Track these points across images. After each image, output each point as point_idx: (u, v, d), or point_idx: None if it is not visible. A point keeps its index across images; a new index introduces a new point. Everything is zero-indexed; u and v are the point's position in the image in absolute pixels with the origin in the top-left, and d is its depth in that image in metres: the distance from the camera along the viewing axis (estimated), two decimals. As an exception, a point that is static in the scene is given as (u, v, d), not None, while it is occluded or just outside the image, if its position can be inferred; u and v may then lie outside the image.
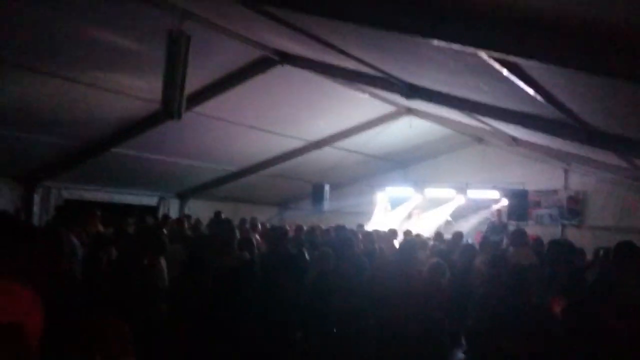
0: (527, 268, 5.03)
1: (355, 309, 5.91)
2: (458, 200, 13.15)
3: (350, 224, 11.67)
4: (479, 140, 13.48)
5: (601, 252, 8.10)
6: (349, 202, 14.14)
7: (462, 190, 13.12)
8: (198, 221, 10.92)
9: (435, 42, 3.33)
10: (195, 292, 5.29)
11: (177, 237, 8.18)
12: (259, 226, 10.55)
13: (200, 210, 12.83)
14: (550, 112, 5.44)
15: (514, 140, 10.29)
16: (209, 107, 8.72)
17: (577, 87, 4.08)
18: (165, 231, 7.75)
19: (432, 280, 5.75)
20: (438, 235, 10.45)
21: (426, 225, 12.48)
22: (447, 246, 9.03)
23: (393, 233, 9.88)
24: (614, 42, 2.89)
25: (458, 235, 9.53)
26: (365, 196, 14.39)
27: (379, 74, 6.83)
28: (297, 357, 6.33)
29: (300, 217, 13.36)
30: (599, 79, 3.41)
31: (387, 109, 10.76)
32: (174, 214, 13.15)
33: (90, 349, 2.37)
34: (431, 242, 9.76)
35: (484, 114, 6.78)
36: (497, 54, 3.28)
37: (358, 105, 10.16)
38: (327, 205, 13.13)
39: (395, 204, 14.06)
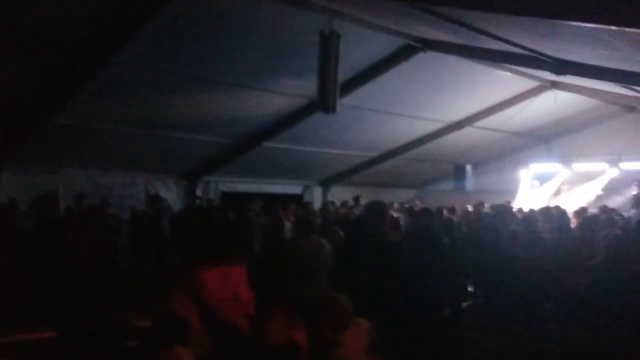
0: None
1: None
2: (611, 173, 12.45)
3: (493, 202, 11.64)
4: (631, 109, 12.66)
5: None
6: (491, 181, 13.93)
7: (614, 162, 12.40)
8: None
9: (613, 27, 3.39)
10: (356, 267, 5.69)
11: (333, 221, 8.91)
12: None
13: (342, 196, 13.40)
14: None
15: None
16: (351, 97, 9.11)
17: None
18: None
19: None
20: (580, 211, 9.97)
21: (576, 201, 11.97)
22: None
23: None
24: None
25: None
26: (508, 174, 14.07)
27: (526, 52, 6.79)
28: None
29: (441, 198, 13.47)
30: None
31: (530, 84, 10.54)
32: (317, 200, 13.91)
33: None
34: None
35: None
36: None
37: (499, 83, 10.07)
38: (469, 185, 13.11)
39: (541, 180, 13.60)
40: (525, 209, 10.76)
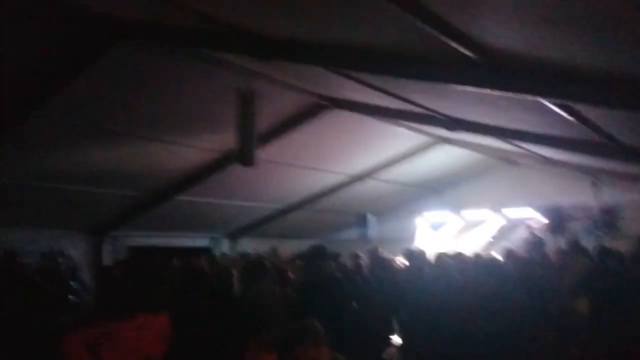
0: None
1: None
2: (498, 220, 13.73)
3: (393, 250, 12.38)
4: (511, 161, 14.15)
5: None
6: (391, 229, 14.78)
7: (497, 209, 13.72)
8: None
9: (503, 93, 4.11)
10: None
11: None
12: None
13: (249, 248, 13.60)
14: (588, 135, 6.16)
15: (546, 159, 10.93)
16: (261, 151, 9.53)
17: (617, 118, 4.82)
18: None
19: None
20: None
21: (469, 246, 13.02)
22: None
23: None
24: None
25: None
26: (405, 222, 15.05)
27: (425, 112, 7.62)
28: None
29: (344, 246, 14.04)
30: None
31: (423, 139, 11.55)
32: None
33: None
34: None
35: (524, 140, 7.51)
36: (558, 100, 4.05)
37: (396, 138, 10.96)
38: (372, 233, 13.82)
39: (436, 228, 14.67)
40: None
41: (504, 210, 13.77)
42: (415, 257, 8.54)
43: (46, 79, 6.25)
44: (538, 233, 13.10)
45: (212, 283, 6.67)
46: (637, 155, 6.40)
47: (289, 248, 13.28)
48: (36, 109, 6.60)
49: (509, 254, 9.56)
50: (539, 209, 13.20)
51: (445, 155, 12.37)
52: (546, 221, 12.99)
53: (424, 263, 8.26)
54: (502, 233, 13.89)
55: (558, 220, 12.32)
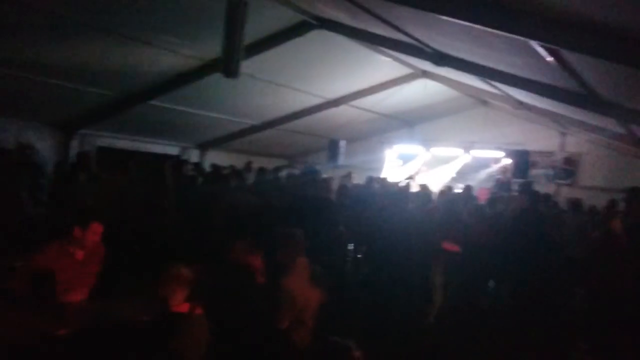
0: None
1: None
2: (464, 158, 14.06)
3: (360, 177, 12.68)
4: (483, 102, 14.34)
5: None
6: (360, 158, 14.99)
7: (467, 149, 14.02)
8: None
9: (501, 32, 4.15)
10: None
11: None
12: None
13: (219, 161, 13.60)
14: (568, 83, 6.30)
15: (520, 103, 11.12)
16: (243, 65, 9.38)
17: (599, 69, 4.94)
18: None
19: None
20: (446, 189, 11.35)
21: (433, 181, 13.36)
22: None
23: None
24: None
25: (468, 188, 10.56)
26: (376, 152, 15.29)
27: (413, 42, 7.60)
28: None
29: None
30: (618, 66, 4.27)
31: (405, 71, 11.55)
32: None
33: None
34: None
35: (507, 83, 7.61)
36: (549, 45, 4.11)
37: (378, 67, 10.93)
38: (342, 160, 14.00)
39: (404, 160, 14.95)
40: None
41: (473, 151, 14.04)
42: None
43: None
44: (500, 175, 13.54)
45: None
46: (611, 108, 6.60)
47: (259, 164, 13.47)
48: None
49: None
50: (506, 151, 13.53)
51: (422, 90, 12.43)
52: (511, 163, 13.35)
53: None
54: (467, 171, 14.25)
55: (523, 164, 12.67)
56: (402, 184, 10.99)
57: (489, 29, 4.58)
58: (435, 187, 12.05)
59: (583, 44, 3.79)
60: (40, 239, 4.19)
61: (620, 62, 3.93)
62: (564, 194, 13.64)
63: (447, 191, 10.71)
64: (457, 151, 14.21)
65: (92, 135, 11.76)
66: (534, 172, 14.07)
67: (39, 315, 3.22)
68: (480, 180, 13.93)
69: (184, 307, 3.16)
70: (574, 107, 7.40)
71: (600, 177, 13.62)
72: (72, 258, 3.97)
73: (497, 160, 13.87)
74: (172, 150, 13.86)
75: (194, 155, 14.28)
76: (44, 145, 10.82)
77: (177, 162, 10.64)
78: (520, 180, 12.43)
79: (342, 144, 14.15)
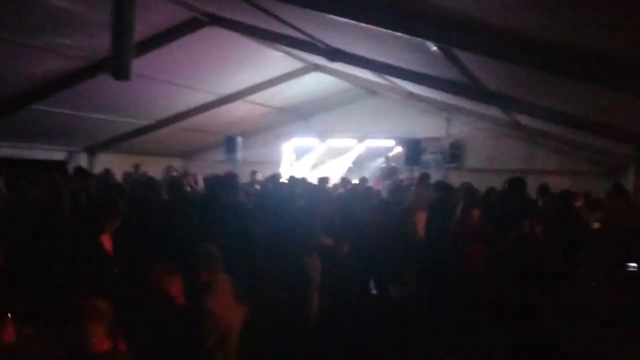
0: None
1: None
2: (358, 149, 14.44)
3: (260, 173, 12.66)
4: (372, 92, 14.79)
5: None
6: (257, 152, 14.94)
7: (361, 139, 14.41)
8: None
9: (398, 34, 4.30)
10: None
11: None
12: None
13: (110, 164, 13.01)
14: (456, 75, 6.67)
15: (410, 94, 11.60)
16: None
17: (483, 62, 5.28)
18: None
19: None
20: (345, 181, 11.62)
21: (330, 173, 13.60)
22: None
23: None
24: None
25: (363, 180, 10.85)
26: (272, 146, 15.31)
27: (306, 38, 7.68)
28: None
29: (211, 168, 14.00)
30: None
31: (297, 65, 11.64)
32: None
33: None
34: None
35: (400, 77, 7.91)
36: (440, 44, 4.33)
37: (271, 61, 10.93)
38: (239, 155, 13.88)
39: (300, 154, 15.08)
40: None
41: (367, 141, 14.45)
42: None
43: None
44: (394, 163, 14.06)
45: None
46: (496, 98, 7.07)
47: (153, 165, 13.08)
48: None
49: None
50: (397, 140, 14.07)
51: (314, 82, 12.61)
52: (402, 151, 13.89)
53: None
54: (362, 161, 14.66)
55: (414, 151, 13.22)
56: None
57: (382, 29, 4.75)
58: (333, 178, 12.30)
59: (470, 43, 4.04)
60: None
61: (503, 59, 4.22)
62: (453, 177, 14.44)
63: (344, 184, 10.94)
64: (351, 142, 14.55)
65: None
66: (424, 157, 14.73)
67: None
68: (374, 170, 14.38)
69: (105, 345, 2.82)
70: (462, 98, 7.83)
71: (484, 159, 14.50)
72: None
73: (389, 149, 14.36)
74: (58, 155, 13.07)
75: (82, 160, 13.54)
76: None
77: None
78: (412, 168, 12.99)
79: (239, 140, 14.03)
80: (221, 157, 14.62)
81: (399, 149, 14.06)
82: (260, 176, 12.05)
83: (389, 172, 13.49)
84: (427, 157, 14.68)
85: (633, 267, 4.53)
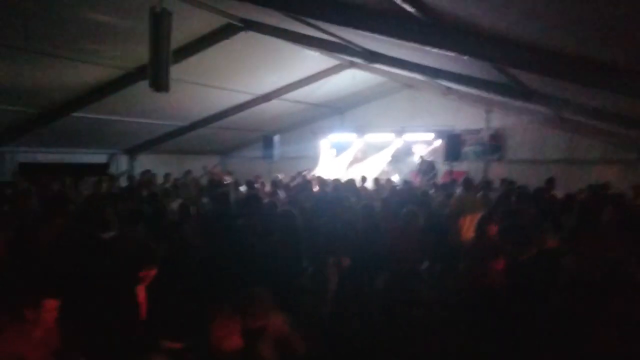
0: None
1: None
2: (396, 143, 14.21)
3: (296, 169, 12.68)
4: (409, 85, 14.54)
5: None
6: (294, 149, 14.93)
7: (399, 133, 14.19)
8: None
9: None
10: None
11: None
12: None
13: (148, 165, 13.26)
14: (497, 77, 6.49)
15: (449, 89, 11.36)
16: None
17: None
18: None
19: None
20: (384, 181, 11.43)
21: (369, 169, 13.48)
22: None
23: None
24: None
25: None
26: (308, 142, 15.25)
27: (342, 42, 7.59)
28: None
29: (248, 165, 14.11)
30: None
31: (332, 62, 11.53)
32: (123, 168, 13.63)
33: None
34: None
35: (439, 77, 7.75)
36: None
37: (306, 60, 10.85)
38: (277, 154, 13.88)
39: (338, 150, 14.97)
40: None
41: (405, 135, 14.21)
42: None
43: None
44: (430, 157, 13.80)
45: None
46: (540, 97, 6.86)
47: (191, 163, 13.25)
48: None
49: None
50: (436, 133, 13.81)
51: (350, 77, 12.46)
52: (440, 145, 13.62)
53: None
54: (399, 156, 14.46)
55: (454, 146, 12.95)
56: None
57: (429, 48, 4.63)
58: (372, 175, 12.18)
59: (518, 60, 3.91)
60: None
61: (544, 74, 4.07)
62: (493, 169, 14.17)
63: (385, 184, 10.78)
64: (389, 136, 14.33)
65: (12, 152, 11.12)
66: (463, 150, 14.46)
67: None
68: (412, 164, 14.19)
69: None
70: (508, 98, 7.62)
71: (526, 150, 14.14)
72: (31, 338, 3.21)
73: (428, 143, 14.09)
74: (100, 158, 13.34)
75: (122, 161, 13.81)
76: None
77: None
78: (451, 163, 12.75)
79: (276, 138, 14.02)
80: (258, 154, 14.62)
81: (437, 143, 13.79)
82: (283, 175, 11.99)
83: (427, 168, 13.30)
84: (466, 149, 14.41)
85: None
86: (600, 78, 4.12)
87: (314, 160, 14.58)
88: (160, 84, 6.78)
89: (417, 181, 11.70)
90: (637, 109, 6.59)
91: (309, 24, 6.92)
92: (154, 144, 13.75)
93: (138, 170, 13.15)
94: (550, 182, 8.50)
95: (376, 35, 6.35)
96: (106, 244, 4.93)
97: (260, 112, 13.25)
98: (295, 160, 14.18)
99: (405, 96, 15.00)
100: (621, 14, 3.10)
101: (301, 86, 12.33)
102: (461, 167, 13.89)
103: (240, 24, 8.30)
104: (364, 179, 10.55)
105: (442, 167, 13.60)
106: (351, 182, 9.63)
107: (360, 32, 6.11)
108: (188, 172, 12.04)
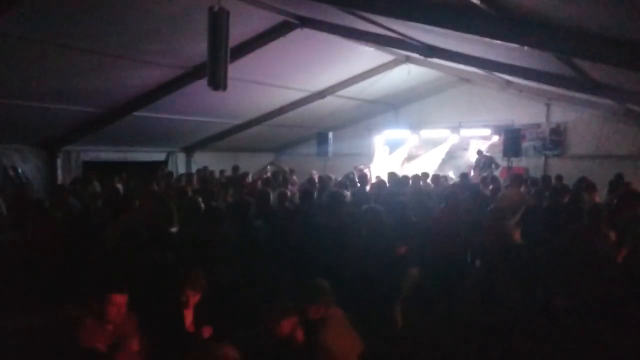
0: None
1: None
2: (452, 139, 13.92)
3: (350, 166, 12.60)
4: (466, 80, 14.23)
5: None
6: (347, 145, 14.87)
7: (455, 129, 13.90)
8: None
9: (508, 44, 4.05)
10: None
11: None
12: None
13: (205, 162, 13.53)
14: (562, 68, 6.24)
15: (508, 82, 11.04)
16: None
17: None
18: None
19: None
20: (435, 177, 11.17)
21: (424, 166, 13.27)
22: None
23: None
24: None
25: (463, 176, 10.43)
26: (362, 139, 15.16)
27: (400, 37, 7.47)
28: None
29: (302, 161, 14.15)
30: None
31: (387, 58, 11.39)
32: (180, 166, 13.95)
33: None
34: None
35: (501, 71, 7.54)
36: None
37: (361, 56, 10.76)
38: (331, 151, 13.84)
39: (392, 146, 14.81)
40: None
41: (462, 131, 13.91)
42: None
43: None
44: (489, 153, 13.44)
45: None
46: (606, 89, 6.57)
47: (247, 161, 13.40)
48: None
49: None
50: (493, 128, 13.46)
51: (405, 73, 12.29)
52: (498, 141, 13.24)
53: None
54: (455, 152, 14.17)
55: (513, 142, 12.54)
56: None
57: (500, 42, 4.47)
58: (429, 171, 11.98)
59: (591, 52, 3.72)
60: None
61: (616, 65, 3.87)
62: (553, 164, 13.72)
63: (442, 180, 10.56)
64: (444, 132, 14.06)
65: (76, 151, 11.54)
66: (522, 145, 14.00)
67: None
68: (468, 161, 13.88)
69: None
70: (574, 92, 7.34)
71: (588, 145, 13.61)
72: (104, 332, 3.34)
73: (486, 139, 13.73)
74: (159, 156, 13.67)
75: (180, 159, 14.11)
76: (29, 166, 10.61)
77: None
78: (511, 159, 12.38)
79: (330, 135, 13.98)
80: (312, 151, 14.62)
81: (495, 139, 13.43)
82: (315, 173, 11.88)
83: (485, 164, 12.97)
84: (525, 144, 13.95)
85: None
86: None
87: (367, 157, 14.47)
88: (218, 82, 6.85)
89: (474, 177, 11.40)
90: None
91: (365, 19, 6.84)
92: (210, 141, 13.97)
93: (194, 167, 13.48)
94: (619, 177, 8.16)
95: (437, 29, 6.24)
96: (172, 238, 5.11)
97: (314, 109, 13.26)
98: (349, 157, 14.11)
99: (461, 91, 14.69)
100: None
101: (356, 82, 12.26)
102: (520, 163, 13.50)
103: (296, 21, 8.29)
104: (425, 176, 10.36)
105: (501, 163, 13.23)
106: (405, 178, 9.45)
107: (420, 25, 6.03)
108: (236, 168, 12.17)
